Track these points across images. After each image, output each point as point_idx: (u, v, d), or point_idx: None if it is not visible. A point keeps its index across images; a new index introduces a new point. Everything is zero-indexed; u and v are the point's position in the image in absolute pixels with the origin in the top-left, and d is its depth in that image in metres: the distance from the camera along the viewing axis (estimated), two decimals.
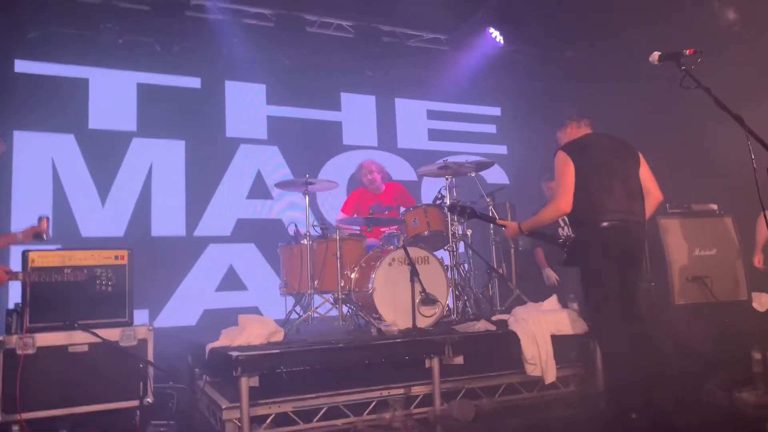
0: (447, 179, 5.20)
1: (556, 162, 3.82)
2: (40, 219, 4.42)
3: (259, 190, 6.92)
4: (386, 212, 5.88)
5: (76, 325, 4.02)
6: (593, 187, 3.70)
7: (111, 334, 4.07)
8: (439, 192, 5.36)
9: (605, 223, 3.63)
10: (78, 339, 3.98)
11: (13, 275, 3.91)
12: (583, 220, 3.76)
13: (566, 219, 5.72)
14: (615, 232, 3.64)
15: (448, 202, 5.13)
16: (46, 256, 4.09)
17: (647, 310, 3.89)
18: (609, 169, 3.73)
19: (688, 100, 3.29)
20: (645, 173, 3.86)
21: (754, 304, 5.26)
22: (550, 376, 4.27)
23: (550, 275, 5.88)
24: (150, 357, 4.17)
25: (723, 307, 5.11)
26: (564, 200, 3.72)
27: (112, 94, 6.41)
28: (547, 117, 7.92)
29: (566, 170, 3.73)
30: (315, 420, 3.84)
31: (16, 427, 3.72)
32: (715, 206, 5.42)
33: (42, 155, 6.01)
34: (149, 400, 4.09)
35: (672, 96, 3.74)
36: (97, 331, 4.02)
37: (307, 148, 7.20)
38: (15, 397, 3.68)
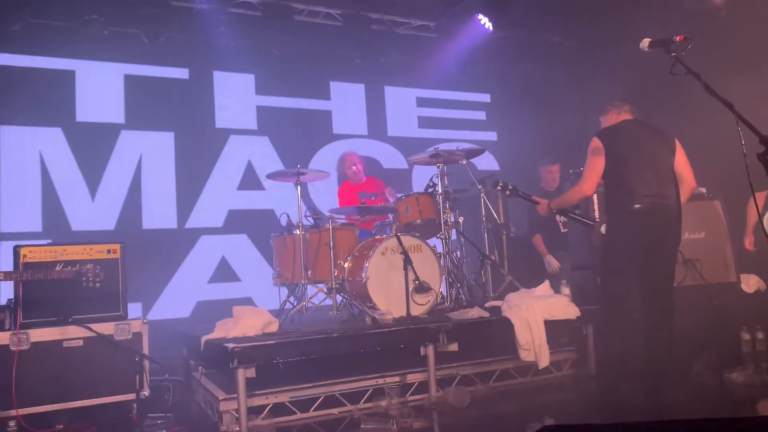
0: (438, 167, 5.20)
1: (589, 146, 3.94)
2: None
3: (250, 180, 6.89)
4: (373, 198, 5.92)
5: (70, 320, 4.02)
6: (625, 172, 3.82)
7: (105, 328, 4.08)
8: (431, 180, 5.38)
9: (637, 206, 3.75)
10: (72, 334, 3.98)
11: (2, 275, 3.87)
12: (615, 204, 3.90)
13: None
14: (648, 213, 3.75)
15: (439, 190, 5.14)
16: (38, 252, 4.07)
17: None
18: (641, 155, 3.84)
19: (677, 85, 3.31)
20: (680, 161, 3.94)
21: (743, 286, 5.34)
22: (544, 361, 4.32)
23: (552, 262, 5.91)
24: (145, 350, 4.18)
25: (712, 289, 5.18)
26: (588, 184, 3.91)
27: (99, 86, 6.34)
28: (536, 103, 7.98)
29: (596, 156, 3.88)
30: (312, 409, 3.88)
31: (12, 423, 3.72)
32: (703, 189, 5.47)
33: (30, 149, 5.94)
34: (145, 393, 4.10)
35: (661, 81, 3.76)
36: (91, 325, 4.02)
37: (298, 138, 7.18)
38: (10, 393, 3.67)
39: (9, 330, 3.90)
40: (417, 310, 4.55)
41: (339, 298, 4.99)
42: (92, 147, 6.20)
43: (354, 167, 6.01)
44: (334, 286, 4.86)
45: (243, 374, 3.58)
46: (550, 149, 6.95)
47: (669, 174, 3.90)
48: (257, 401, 3.74)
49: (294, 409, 3.84)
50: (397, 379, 4.12)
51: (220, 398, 3.72)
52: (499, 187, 4.53)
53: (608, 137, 3.93)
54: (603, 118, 4.16)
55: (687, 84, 2.80)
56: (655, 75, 4.13)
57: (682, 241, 4.07)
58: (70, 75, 6.24)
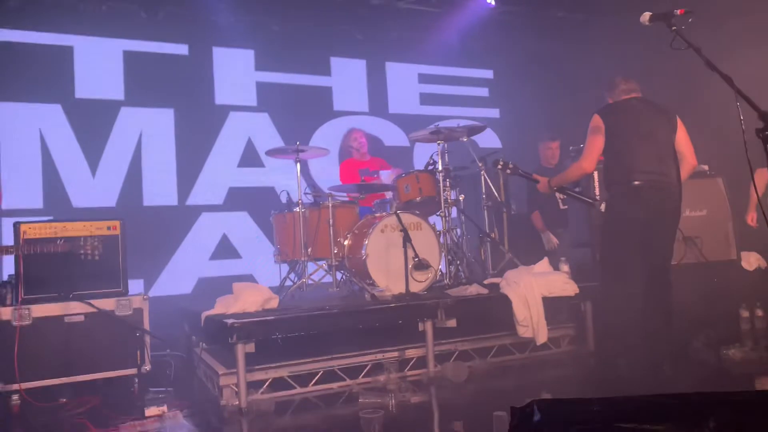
0: (439, 144, 5.18)
1: (590, 123, 3.94)
2: None
3: (250, 158, 6.87)
4: (375, 176, 5.91)
5: (71, 295, 4.05)
6: (625, 149, 3.83)
7: (106, 304, 4.12)
8: (431, 157, 5.36)
9: (637, 182, 3.76)
10: (74, 309, 4.03)
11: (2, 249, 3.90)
12: (615, 181, 3.90)
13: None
14: (647, 190, 3.76)
15: (440, 168, 5.12)
16: (38, 228, 4.10)
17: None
18: (642, 133, 3.83)
19: (679, 60, 3.27)
20: (681, 139, 3.93)
21: (743, 264, 5.34)
22: (542, 337, 4.35)
23: (551, 239, 5.90)
24: (146, 326, 4.22)
25: (713, 266, 5.19)
26: (587, 161, 3.91)
27: (98, 62, 6.28)
28: (539, 79, 7.91)
29: (596, 133, 3.88)
30: (311, 384, 3.92)
31: (15, 396, 3.78)
32: (706, 167, 5.45)
33: (29, 126, 5.92)
34: (147, 367, 4.16)
35: (663, 56, 3.72)
36: (92, 301, 4.06)
37: (298, 115, 7.13)
38: (13, 367, 3.73)
39: (11, 305, 3.95)
40: (416, 287, 4.57)
41: (339, 275, 5.01)
42: (92, 124, 6.17)
43: (359, 140, 6.03)
44: (333, 264, 4.88)
45: (242, 349, 3.62)
46: (553, 126, 6.90)
47: (669, 151, 3.88)
48: (257, 376, 3.78)
49: (293, 383, 3.89)
50: (395, 354, 4.16)
51: (220, 373, 3.77)
52: (499, 167, 4.53)
53: (609, 114, 3.92)
54: (607, 95, 4.14)
55: (690, 58, 2.77)
56: (659, 50, 4.09)
57: (683, 218, 4.07)
58: (68, 51, 6.19)
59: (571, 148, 5.67)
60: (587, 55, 7.42)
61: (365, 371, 4.06)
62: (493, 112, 8.37)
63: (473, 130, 5.44)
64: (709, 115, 5.17)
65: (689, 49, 2.73)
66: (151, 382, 4.21)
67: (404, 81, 7.94)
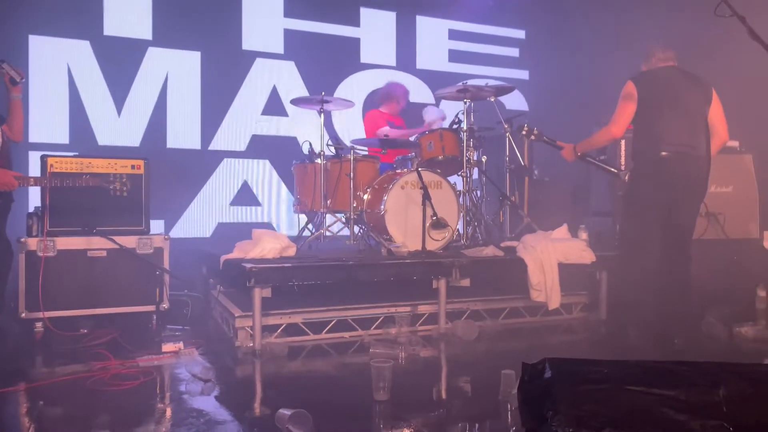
0: (465, 103, 5.11)
1: (622, 90, 3.88)
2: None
3: (274, 106, 6.84)
4: (398, 129, 5.92)
5: (94, 231, 4.14)
6: (655, 118, 3.76)
7: (128, 241, 4.21)
8: (456, 116, 5.30)
9: (664, 153, 3.71)
10: (96, 244, 4.13)
11: (25, 180, 3.92)
12: (642, 150, 3.84)
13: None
14: (675, 162, 3.71)
15: (465, 127, 5.07)
16: (64, 162, 4.16)
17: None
18: (674, 103, 3.75)
19: (716, 28, 3.16)
20: (715, 112, 3.86)
21: (765, 243, 5.26)
22: (554, 303, 4.38)
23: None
24: (166, 265, 4.31)
25: (733, 244, 5.14)
26: (617, 126, 3.85)
27: None
28: (573, 44, 7.70)
29: (628, 100, 3.82)
30: (324, 332, 4.01)
31: (39, 324, 3.92)
32: (736, 143, 5.33)
33: (58, 61, 5.93)
34: (165, 305, 4.27)
35: (705, 23, 3.60)
36: (114, 237, 4.15)
37: (324, 65, 7.05)
38: (37, 296, 3.85)
39: (36, 236, 4.05)
40: (432, 246, 4.58)
41: (356, 228, 5.04)
42: (119, 62, 6.16)
43: (403, 101, 6.04)
44: (352, 217, 4.90)
45: (259, 293, 3.69)
46: (583, 92, 6.76)
47: (701, 124, 3.80)
48: (272, 320, 3.86)
49: (306, 330, 3.97)
50: (408, 309, 4.22)
51: (236, 315, 3.86)
52: (523, 132, 4.48)
53: (642, 82, 3.83)
54: (642, 62, 4.04)
55: (730, 27, 2.68)
56: (696, 17, 3.95)
57: (708, 193, 4.01)
58: None
59: None
60: (625, 22, 7.18)
61: (377, 323, 4.13)
62: (523, 74, 8.21)
63: (501, 91, 5.35)
64: (746, 89, 5.02)
65: (733, 17, 2.64)
66: (169, 319, 4.34)
67: (434, 36, 7.79)
